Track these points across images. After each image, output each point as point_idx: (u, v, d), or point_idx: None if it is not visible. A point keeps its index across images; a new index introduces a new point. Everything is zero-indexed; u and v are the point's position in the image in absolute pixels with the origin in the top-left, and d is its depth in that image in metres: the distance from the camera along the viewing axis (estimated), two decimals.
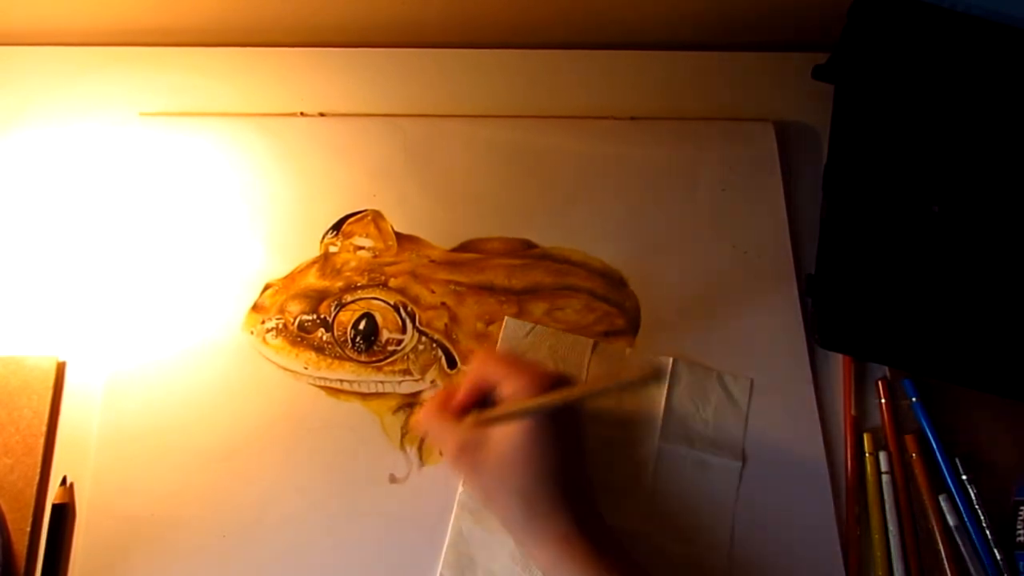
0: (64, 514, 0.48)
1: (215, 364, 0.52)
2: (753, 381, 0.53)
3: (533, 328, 0.53)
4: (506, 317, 0.54)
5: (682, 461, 0.51)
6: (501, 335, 0.53)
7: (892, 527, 0.50)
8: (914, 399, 0.53)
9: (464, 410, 0.46)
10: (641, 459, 0.51)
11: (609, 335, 0.54)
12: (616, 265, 0.56)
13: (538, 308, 0.55)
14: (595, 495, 0.45)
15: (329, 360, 0.53)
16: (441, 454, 0.50)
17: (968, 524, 0.50)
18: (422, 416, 0.49)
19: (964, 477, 0.51)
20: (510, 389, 0.44)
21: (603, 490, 0.47)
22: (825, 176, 0.58)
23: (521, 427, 0.42)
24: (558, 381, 0.44)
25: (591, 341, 0.53)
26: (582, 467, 0.45)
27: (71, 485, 0.49)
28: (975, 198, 0.56)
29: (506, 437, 0.43)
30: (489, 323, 0.54)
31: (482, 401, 0.46)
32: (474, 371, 0.47)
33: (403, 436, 0.51)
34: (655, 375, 0.50)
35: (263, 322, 0.53)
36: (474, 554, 0.48)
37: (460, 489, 0.49)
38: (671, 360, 0.53)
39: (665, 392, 0.52)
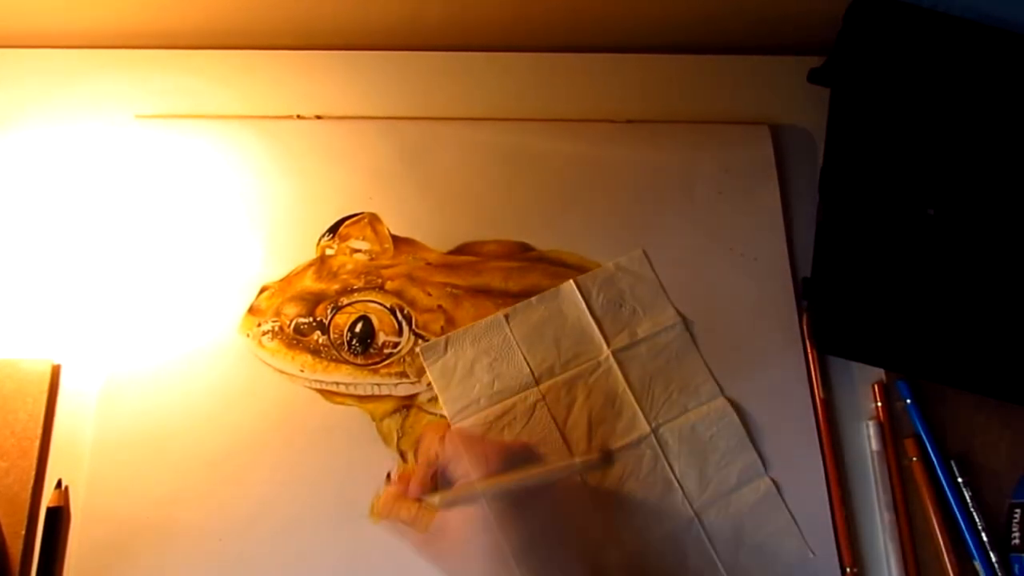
0: (59, 517, 0.48)
1: (211, 367, 0.52)
2: (644, 251, 0.56)
3: (447, 339, 0.53)
4: (418, 347, 0.53)
5: (638, 354, 0.53)
6: (424, 364, 0.52)
7: (883, 507, 0.51)
8: (908, 401, 0.53)
9: (422, 494, 0.44)
10: (604, 375, 0.52)
11: None
12: None
13: None
14: (576, 566, 0.43)
15: (325, 363, 0.53)
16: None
17: (963, 526, 0.50)
18: (382, 506, 0.47)
19: (960, 479, 0.51)
20: (460, 470, 0.42)
21: (591, 422, 0.50)
22: (821, 179, 0.58)
23: (477, 511, 0.40)
24: (514, 455, 0.42)
25: (502, 314, 0.54)
26: (554, 543, 0.42)
27: (66, 488, 0.49)
28: (970, 201, 0.57)
29: (464, 522, 0.40)
30: None
31: (438, 482, 0.44)
32: (423, 454, 0.46)
33: (399, 439, 0.51)
34: (608, 459, 0.48)
35: (259, 325, 0.53)
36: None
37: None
38: (571, 282, 0.55)
39: (585, 309, 0.54)
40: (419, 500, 0.44)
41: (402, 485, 0.45)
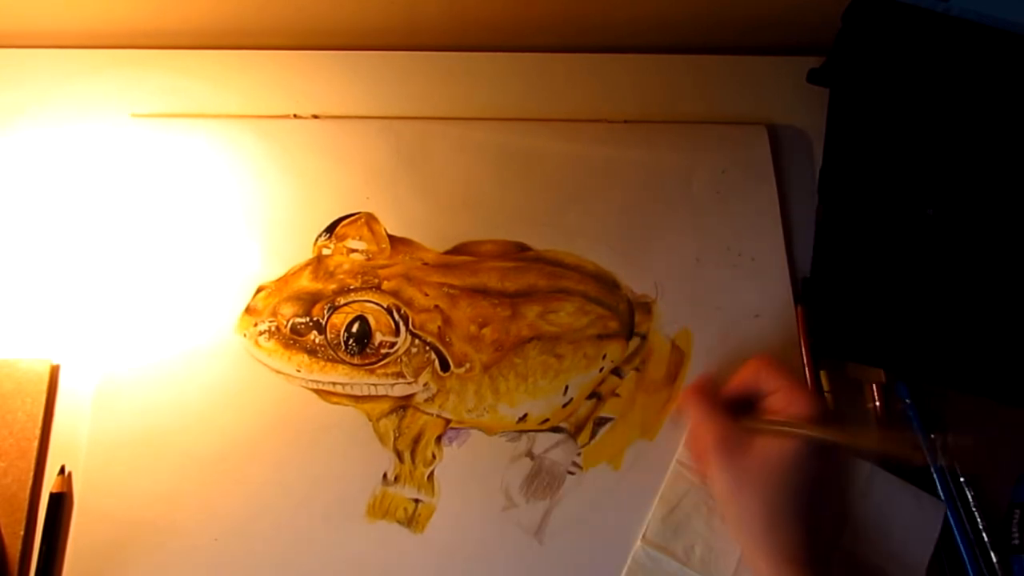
0: (61, 503, 0.48)
1: (208, 367, 0.52)
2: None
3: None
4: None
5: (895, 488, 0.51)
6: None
7: None
8: (907, 401, 0.53)
9: (728, 405, 0.48)
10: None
11: (602, 338, 0.54)
12: (609, 268, 0.56)
13: (531, 311, 0.55)
14: (827, 537, 0.46)
15: (322, 363, 0.53)
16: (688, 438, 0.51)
17: (964, 527, 0.50)
18: (689, 395, 0.49)
19: (961, 479, 0.51)
20: (781, 405, 0.46)
21: None
22: (820, 180, 0.58)
23: (796, 445, 0.44)
24: (828, 413, 0.45)
25: None
26: (829, 505, 0.47)
27: (69, 474, 0.49)
28: (969, 201, 0.56)
29: (777, 448, 0.44)
30: (482, 326, 0.54)
31: (744, 403, 0.48)
32: (749, 374, 0.48)
33: (395, 439, 0.51)
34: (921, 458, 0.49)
35: (256, 325, 0.53)
36: (688, 512, 0.49)
37: (679, 450, 0.51)
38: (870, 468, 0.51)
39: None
40: (723, 408, 0.47)
41: (709, 387, 0.49)
